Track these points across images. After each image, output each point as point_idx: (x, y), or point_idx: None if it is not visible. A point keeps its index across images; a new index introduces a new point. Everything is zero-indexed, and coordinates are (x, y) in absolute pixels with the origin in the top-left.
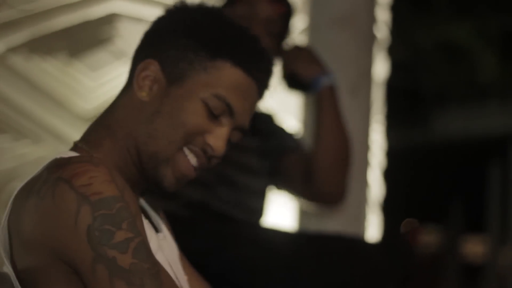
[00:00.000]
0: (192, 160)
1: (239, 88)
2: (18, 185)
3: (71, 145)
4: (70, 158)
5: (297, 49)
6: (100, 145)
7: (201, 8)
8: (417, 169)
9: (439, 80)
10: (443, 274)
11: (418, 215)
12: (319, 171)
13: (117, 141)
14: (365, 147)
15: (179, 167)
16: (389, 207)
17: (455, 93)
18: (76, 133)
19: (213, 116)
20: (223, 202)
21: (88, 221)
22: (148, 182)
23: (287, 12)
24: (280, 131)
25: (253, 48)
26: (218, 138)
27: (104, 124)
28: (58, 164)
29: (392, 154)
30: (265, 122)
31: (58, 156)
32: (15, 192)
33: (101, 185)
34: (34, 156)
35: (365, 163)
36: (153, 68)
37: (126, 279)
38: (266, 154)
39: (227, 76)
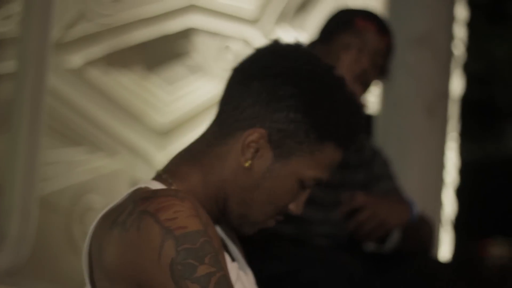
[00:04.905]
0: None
1: (334, 163)
2: (93, 198)
3: (146, 159)
4: (156, 191)
5: (374, 202)
6: (187, 179)
7: (314, 72)
8: (492, 183)
9: None
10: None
11: (492, 230)
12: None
13: (206, 184)
14: (440, 166)
15: (262, 226)
16: (462, 224)
17: None
18: (151, 147)
19: (304, 189)
20: (321, 237)
21: (171, 255)
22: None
23: (393, 45)
24: (388, 173)
25: (356, 123)
26: (299, 205)
27: (196, 160)
28: (144, 197)
29: (466, 169)
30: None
31: (142, 185)
32: (97, 219)
33: (186, 219)
34: (109, 169)
35: (440, 183)
36: (262, 140)
37: None
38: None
39: (329, 157)
